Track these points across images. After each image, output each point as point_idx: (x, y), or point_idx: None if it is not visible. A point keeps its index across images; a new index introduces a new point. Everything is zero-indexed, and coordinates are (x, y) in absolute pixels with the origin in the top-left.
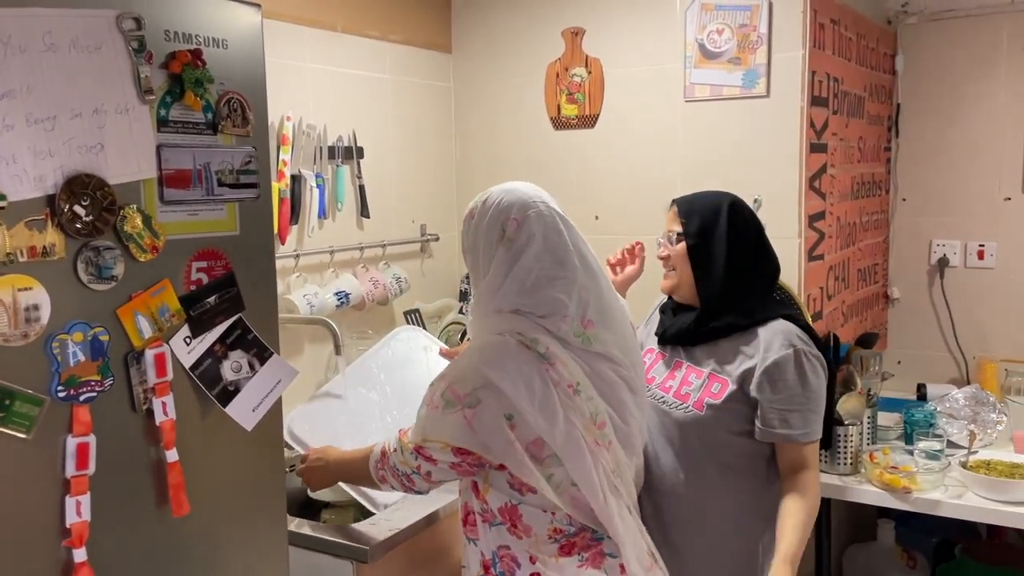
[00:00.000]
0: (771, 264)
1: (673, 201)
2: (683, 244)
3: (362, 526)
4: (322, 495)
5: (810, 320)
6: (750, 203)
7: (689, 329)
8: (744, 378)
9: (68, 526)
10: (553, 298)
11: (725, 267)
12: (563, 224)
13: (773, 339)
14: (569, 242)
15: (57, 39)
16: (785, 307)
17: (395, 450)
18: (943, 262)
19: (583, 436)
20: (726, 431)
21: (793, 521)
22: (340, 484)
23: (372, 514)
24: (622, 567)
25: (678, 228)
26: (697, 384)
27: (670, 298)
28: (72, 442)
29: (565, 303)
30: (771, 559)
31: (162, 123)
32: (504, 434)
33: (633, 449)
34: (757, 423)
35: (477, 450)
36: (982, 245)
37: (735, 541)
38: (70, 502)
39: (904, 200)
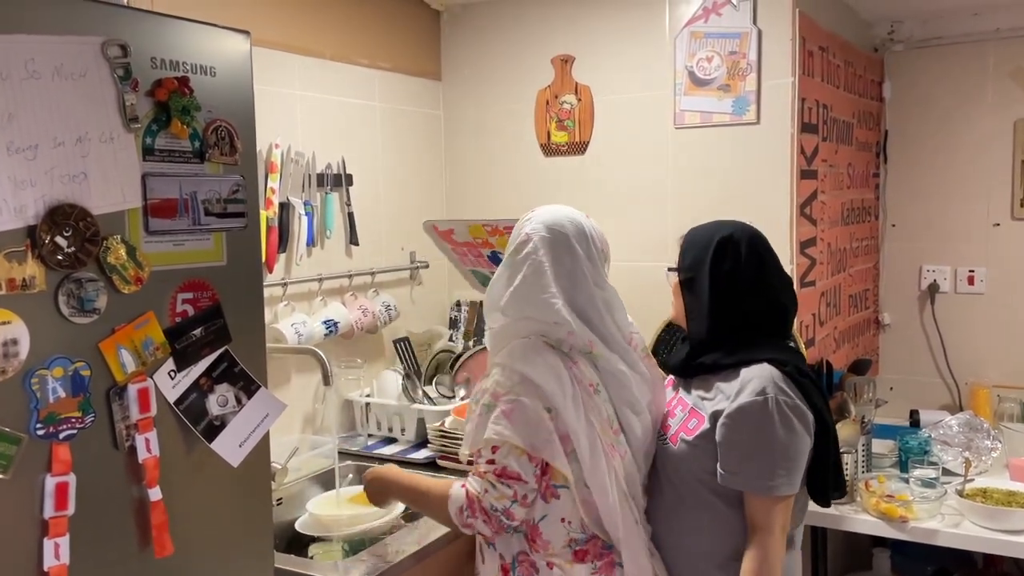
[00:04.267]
0: (764, 303)
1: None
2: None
3: (351, 562)
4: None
5: (804, 350)
6: None
7: (682, 362)
8: (715, 417)
9: (46, 569)
10: (557, 314)
11: (708, 304)
12: (568, 252)
13: (749, 383)
14: (568, 266)
15: (40, 66)
16: (776, 351)
17: (486, 491)
18: (933, 288)
19: (600, 437)
20: (699, 468)
21: None
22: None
23: (360, 549)
24: None
25: (676, 262)
26: (680, 417)
27: None
28: (51, 481)
29: (564, 322)
30: None
31: (147, 152)
32: (546, 425)
33: (639, 466)
34: (718, 466)
35: (522, 445)
36: (972, 271)
37: None
38: (48, 544)
39: (894, 226)
